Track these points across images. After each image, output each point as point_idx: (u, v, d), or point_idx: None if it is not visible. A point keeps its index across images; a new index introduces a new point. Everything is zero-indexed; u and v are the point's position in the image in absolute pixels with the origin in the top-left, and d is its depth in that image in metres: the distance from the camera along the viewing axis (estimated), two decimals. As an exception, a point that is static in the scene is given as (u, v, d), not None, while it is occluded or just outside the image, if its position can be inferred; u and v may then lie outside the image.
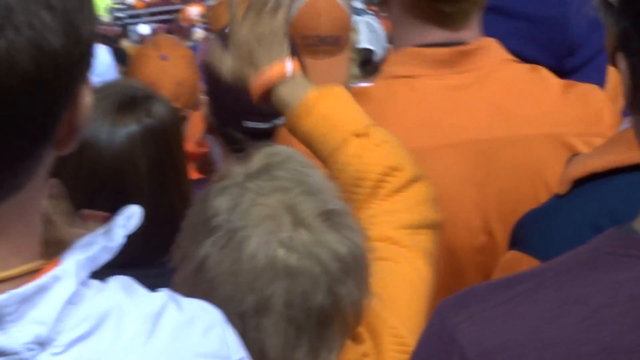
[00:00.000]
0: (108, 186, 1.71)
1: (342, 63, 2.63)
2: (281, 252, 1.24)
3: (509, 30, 1.98)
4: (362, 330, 1.37)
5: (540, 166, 1.69)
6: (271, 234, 1.24)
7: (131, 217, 0.95)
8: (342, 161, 1.57)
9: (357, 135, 1.58)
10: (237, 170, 1.32)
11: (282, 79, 1.64)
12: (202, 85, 2.57)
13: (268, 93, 1.65)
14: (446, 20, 1.74)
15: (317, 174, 1.34)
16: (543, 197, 1.59)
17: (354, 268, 1.28)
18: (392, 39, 1.88)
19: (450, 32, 1.75)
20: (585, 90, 1.78)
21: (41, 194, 0.92)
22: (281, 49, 1.66)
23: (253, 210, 1.26)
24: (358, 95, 1.75)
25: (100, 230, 0.94)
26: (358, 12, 3.38)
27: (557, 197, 1.40)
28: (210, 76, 2.11)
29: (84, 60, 0.88)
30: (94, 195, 1.70)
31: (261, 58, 1.65)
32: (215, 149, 2.38)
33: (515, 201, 1.67)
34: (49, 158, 0.90)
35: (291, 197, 1.27)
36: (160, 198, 1.73)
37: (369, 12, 3.82)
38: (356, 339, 1.36)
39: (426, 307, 1.48)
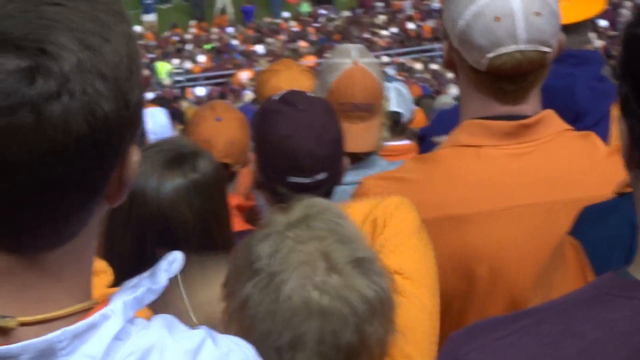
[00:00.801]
0: (155, 232, 1.73)
1: (375, 127, 2.64)
2: (315, 294, 1.26)
3: None
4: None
5: None
6: (306, 278, 1.27)
7: (173, 262, 0.98)
8: None
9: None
10: (278, 219, 1.35)
11: None
12: (251, 144, 2.59)
13: None
14: (507, 97, 1.78)
15: (349, 225, 1.37)
16: None
17: (380, 309, 1.30)
18: (460, 109, 1.90)
19: (510, 107, 1.78)
20: None
21: (93, 241, 0.93)
22: None
23: (291, 256, 1.29)
24: (428, 160, 1.82)
25: (146, 274, 0.96)
26: (389, 78, 3.42)
27: (616, 196, 1.45)
28: (258, 135, 2.14)
29: (133, 122, 0.89)
30: (143, 239, 1.73)
31: None
32: (261, 202, 2.38)
33: None
34: (100, 210, 0.92)
35: (326, 245, 1.30)
36: (204, 243, 1.75)
37: (398, 78, 3.88)
38: None
39: (433, 337, 1.49)
